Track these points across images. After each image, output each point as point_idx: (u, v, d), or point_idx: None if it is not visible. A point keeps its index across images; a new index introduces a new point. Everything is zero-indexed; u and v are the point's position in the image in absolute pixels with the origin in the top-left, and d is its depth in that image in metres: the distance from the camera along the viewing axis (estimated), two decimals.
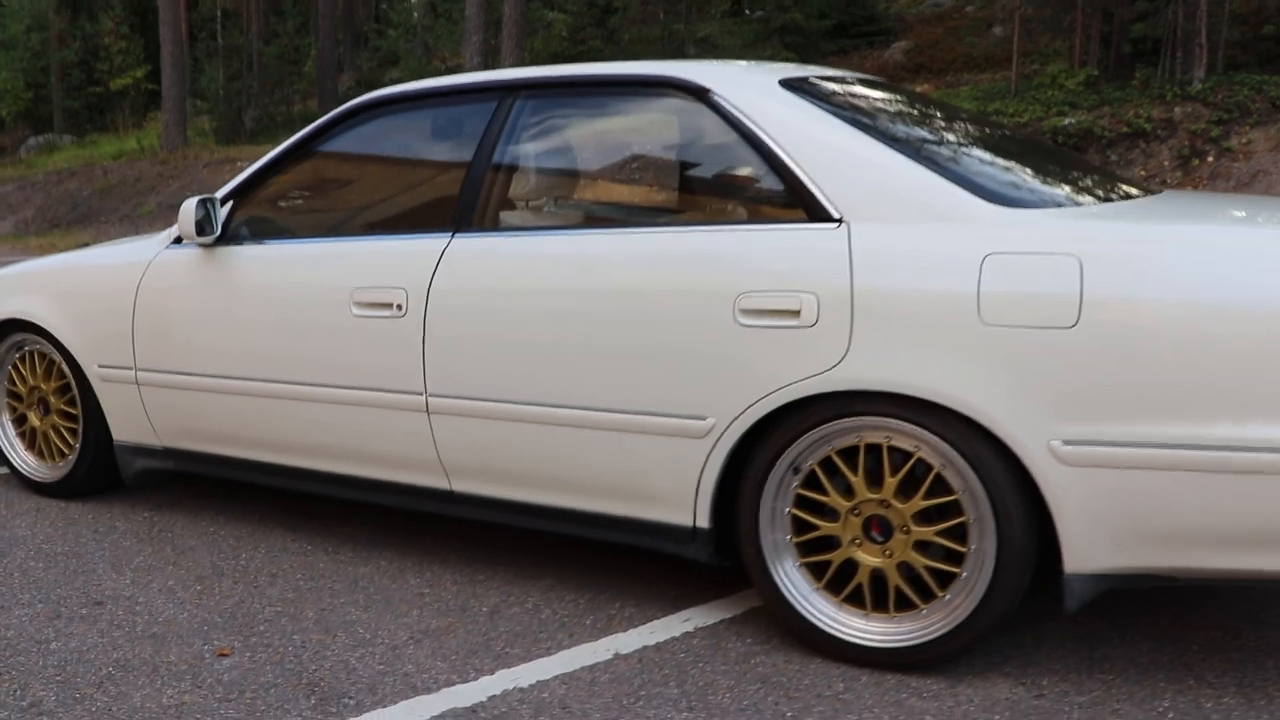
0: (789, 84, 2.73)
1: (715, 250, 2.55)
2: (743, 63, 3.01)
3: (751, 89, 2.69)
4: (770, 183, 2.64)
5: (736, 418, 2.50)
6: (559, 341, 2.68)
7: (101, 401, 3.52)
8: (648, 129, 3.04)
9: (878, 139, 2.55)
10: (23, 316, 3.62)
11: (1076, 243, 2.24)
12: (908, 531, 2.43)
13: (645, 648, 2.62)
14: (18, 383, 3.79)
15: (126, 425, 3.51)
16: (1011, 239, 2.29)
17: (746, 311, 2.47)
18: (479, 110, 3.04)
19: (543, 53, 17.85)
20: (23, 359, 3.77)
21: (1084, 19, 9.49)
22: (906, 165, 2.47)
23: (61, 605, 2.87)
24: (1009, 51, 15.56)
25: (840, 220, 2.46)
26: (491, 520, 2.94)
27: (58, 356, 3.62)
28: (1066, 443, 2.20)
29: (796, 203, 2.54)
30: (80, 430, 3.62)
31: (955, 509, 2.38)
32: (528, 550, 3.22)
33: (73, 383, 3.61)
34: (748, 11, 18.90)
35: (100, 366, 3.47)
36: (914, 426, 2.35)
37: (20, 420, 3.83)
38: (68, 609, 2.85)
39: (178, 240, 3.37)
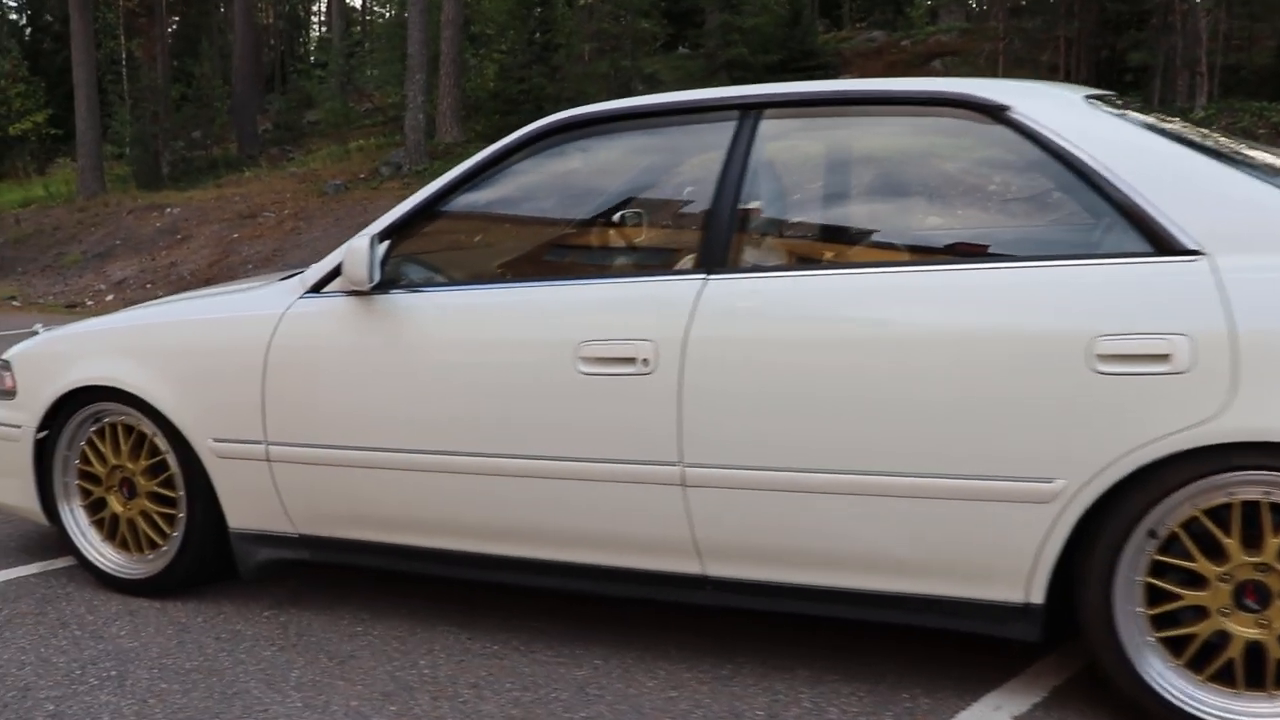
0: (1093, 101, 2.42)
1: (1055, 289, 2.20)
2: (1029, 82, 2.67)
3: (1061, 106, 2.37)
4: (1095, 210, 2.32)
5: (1093, 479, 2.14)
6: (859, 397, 2.29)
7: (215, 482, 2.97)
8: (926, 152, 2.68)
9: (1222, 162, 2.26)
10: (108, 383, 3.05)
11: None
12: None
13: None
14: (94, 462, 3.21)
15: (249, 509, 2.97)
16: None
17: (1104, 357, 2.12)
18: (711, 131, 2.65)
19: (480, 91, 17.46)
20: (100, 434, 3.18)
21: (1065, 50, 9.58)
22: (1270, 191, 2.18)
23: None
24: None
25: (1198, 252, 2.14)
26: (749, 606, 2.52)
27: (150, 429, 3.07)
28: None
29: (1135, 233, 2.21)
30: (184, 516, 3.06)
31: None
32: (752, 632, 2.79)
33: (172, 460, 3.05)
34: (682, 49, 18.85)
35: (216, 441, 2.93)
36: None
37: (96, 506, 3.24)
38: None
39: (316, 288, 2.87)
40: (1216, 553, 2.15)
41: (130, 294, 11.41)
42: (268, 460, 2.89)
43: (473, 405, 2.63)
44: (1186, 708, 2.18)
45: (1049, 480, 2.17)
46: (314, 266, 2.94)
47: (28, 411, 3.21)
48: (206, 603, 3.12)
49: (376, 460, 2.75)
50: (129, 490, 3.17)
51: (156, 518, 3.13)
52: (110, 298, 11.67)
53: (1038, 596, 2.25)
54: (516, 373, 2.58)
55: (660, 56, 17.05)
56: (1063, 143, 2.30)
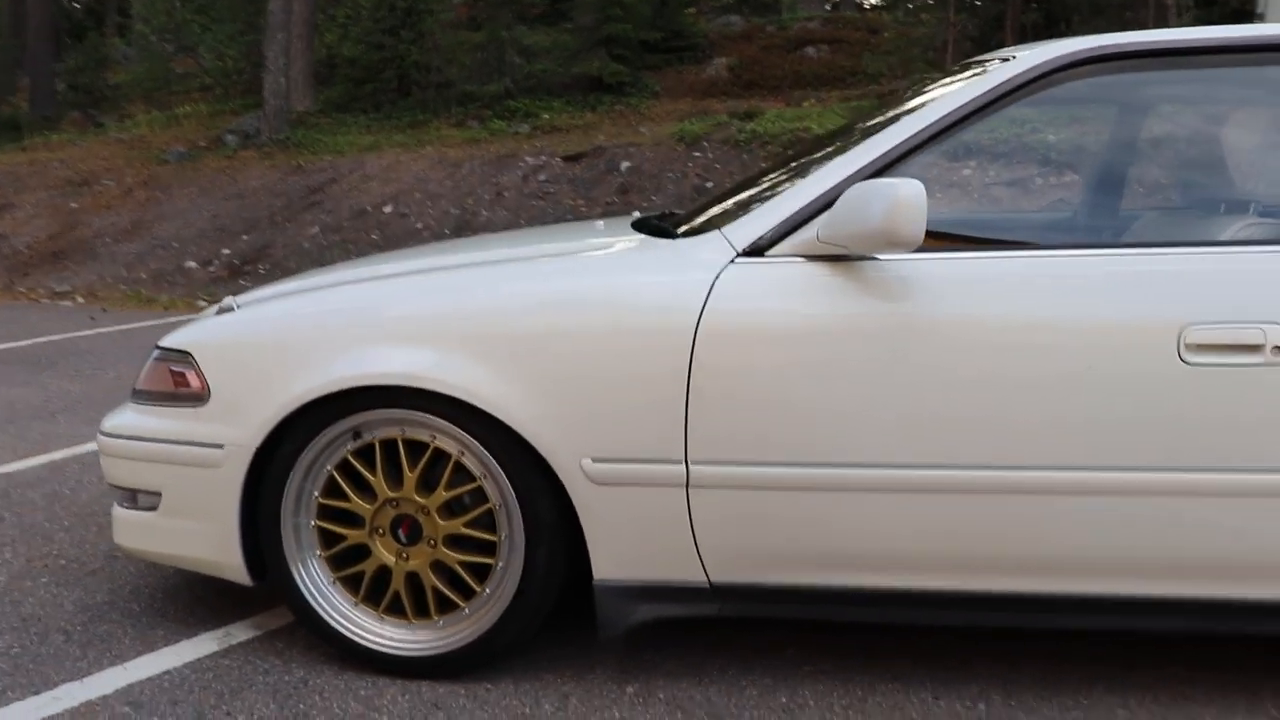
0: None
1: None
2: None
3: None
4: None
5: None
6: None
7: (585, 517, 2.10)
8: None
9: None
10: (417, 382, 2.10)
11: None
12: None
13: None
14: (353, 495, 2.24)
15: (637, 554, 2.12)
16: None
17: None
18: (1255, 82, 2.14)
19: (339, 55, 16.00)
20: (362, 454, 2.22)
21: (1015, 40, 9.56)
22: None
23: None
24: (835, 71, 15.79)
25: None
26: None
27: (456, 448, 2.15)
28: None
29: None
30: (516, 566, 2.16)
31: None
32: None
33: (493, 489, 2.15)
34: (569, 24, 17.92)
35: (597, 462, 2.06)
36: None
37: (346, 558, 2.27)
38: None
39: (757, 250, 2.06)
40: None
41: None
42: (686, 486, 2.05)
43: (1037, 406, 1.94)
44: None
45: None
46: (746, 219, 2.12)
47: (239, 424, 2.21)
48: (525, 683, 2.23)
49: (877, 481, 1.99)
50: (410, 533, 2.23)
51: (458, 569, 2.21)
52: None
53: None
54: (1102, 362, 1.91)
55: (541, 28, 16.15)
56: None
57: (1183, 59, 2.16)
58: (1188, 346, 1.91)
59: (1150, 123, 2.40)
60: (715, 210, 2.46)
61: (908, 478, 1.99)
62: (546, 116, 13.10)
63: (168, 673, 2.30)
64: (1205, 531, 1.97)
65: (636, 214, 3.08)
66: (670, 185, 9.84)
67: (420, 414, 2.15)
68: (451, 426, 2.14)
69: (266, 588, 2.32)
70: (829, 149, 2.40)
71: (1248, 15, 8.83)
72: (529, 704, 2.16)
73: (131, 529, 2.42)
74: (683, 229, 2.31)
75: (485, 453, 2.13)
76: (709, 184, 9.72)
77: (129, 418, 2.40)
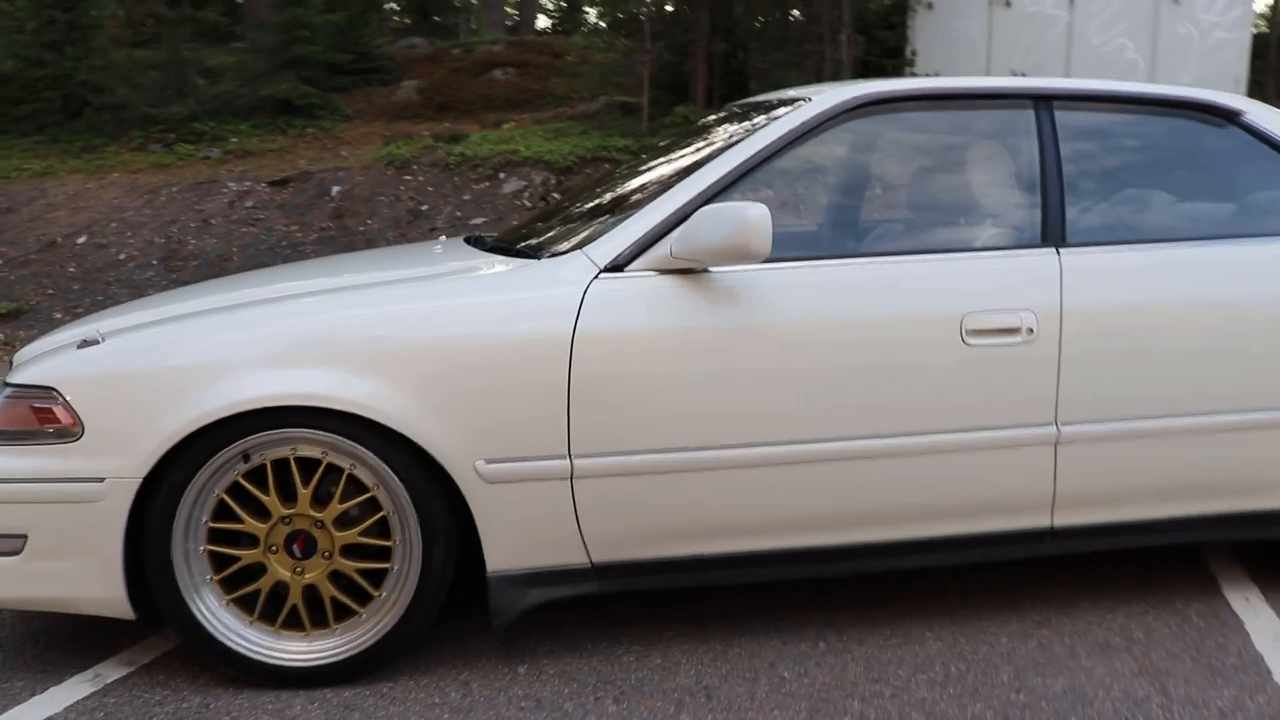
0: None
1: None
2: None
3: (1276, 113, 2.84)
4: None
5: None
6: (1211, 350, 2.61)
7: (479, 515, 2.32)
8: (1179, 145, 2.88)
9: None
10: (311, 401, 2.23)
11: None
12: None
13: None
14: (246, 516, 2.32)
15: (526, 544, 2.37)
16: None
17: None
18: (1009, 120, 2.74)
19: None
20: (252, 476, 2.31)
21: (707, 66, 10.35)
22: None
23: None
24: (524, 93, 16.18)
25: None
26: (1083, 550, 2.66)
27: (363, 460, 2.31)
28: None
29: None
30: (411, 568, 2.34)
31: None
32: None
33: (386, 498, 2.33)
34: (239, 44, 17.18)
35: (489, 463, 2.29)
36: None
37: (237, 579, 2.34)
38: None
39: (614, 268, 2.38)
40: None
41: None
42: (570, 479, 2.33)
43: (851, 389, 2.41)
44: None
45: None
46: (603, 240, 2.42)
47: (121, 455, 2.23)
48: (423, 677, 2.41)
49: (729, 460, 2.37)
50: (304, 548, 2.34)
51: (355, 576, 2.36)
52: None
53: None
54: (902, 350, 2.43)
55: (223, 48, 15.41)
56: None
57: (940, 102, 2.73)
58: (967, 331, 2.45)
59: (918, 152, 2.96)
60: (554, 232, 2.75)
61: (756, 455, 2.38)
62: (236, 140, 12.61)
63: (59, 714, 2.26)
64: (977, 478, 2.51)
65: (464, 237, 3.28)
66: (385, 209, 9.86)
67: (312, 432, 2.28)
68: (345, 441, 2.28)
69: (143, 621, 2.34)
70: (649, 176, 2.78)
71: (900, 52, 10.17)
72: (435, 694, 2.34)
73: None
74: (551, 251, 2.56)
75: (381, 463, 2.29)
76: (424, 207, 9.84)
77: None
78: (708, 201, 2.44)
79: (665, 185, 2.57)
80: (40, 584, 2.31)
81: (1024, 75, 9.50)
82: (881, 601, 2.77)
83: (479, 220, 9.53)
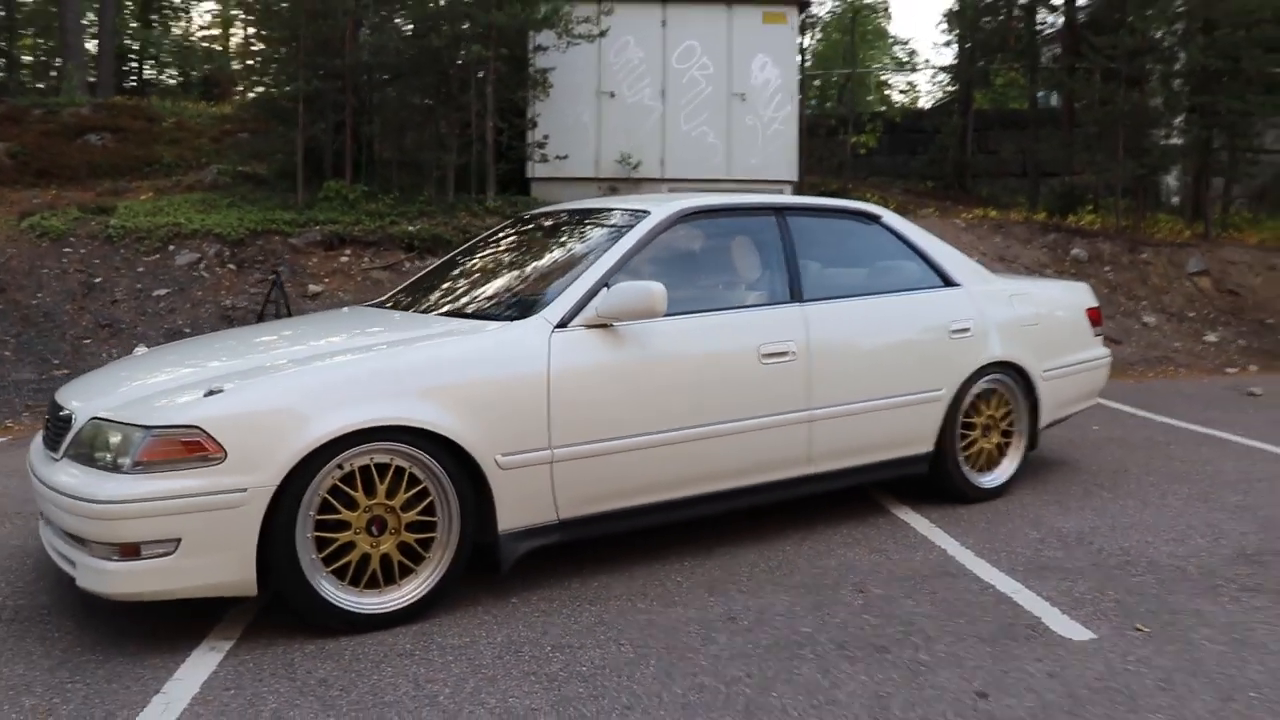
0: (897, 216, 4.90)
1: (931, 303, 4.72)
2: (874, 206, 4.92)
3: (897, 217, 4.84)
4: (917, 267, 4.80)
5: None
6: (881, 360, 4.47)
7: (496, 491, 3.51)
8: (849, 236, 4.71)
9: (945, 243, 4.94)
10: (397, 422, 3.31)
11: None
12: None
13: None
14: (342, 509, 3.31)
15: (522, 510, 3.59)
16: None
17: (951, 332, 4.67)
18: (766, 222, 4.46)
19: None
20: (346, 480, 3.32)
21: (355, 144, 11.23)
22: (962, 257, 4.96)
23: None
24: (128, 160, 15.47)
25: (960, 285, 4.81)
26: (835, 487, 4.39)
27: (420, 461, 3.40)
28: None
29: (935, 277, 4.80)
30: (451, 537, 3.49)
31: None
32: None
33: (441, 485, 3.45)
34: None
35: (504, 455, 3.51)
36: None
37: (332, 556, 3.33)
38: None
39: (561, 324, 3.70)
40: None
41: None
42: (551, 464, 3.60)
43: (699, 394, 3.93)
44: None
45: (938, 390, 4.62)
46: (551, 306, 3.72)
47: (260, 471, 3.15)
48: (460, 615, 3.55)
49: (639, 443, 3.77)
50: (379, 528, 3.39)
51: (411, 546, 3.44)
52: None
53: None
54: (725, 368, 4.01)
55: None
56: (907, 235, 4.81)
57: (729, 213, 4.37)
58: (762, 355, 4.05)
59: (720, 243, 4.52)
60: (466, 299, 4.15)
61: (657, 439, 3.80)
62: None
63: (212, 676, 3.10)
64: (763, 447, 4.09)
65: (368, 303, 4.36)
66: (54, 282, 9.81)
67: (386, 444, 3.34)
68: (407, 448, 3.37)
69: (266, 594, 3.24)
70: (529, 257, 4.19)
71: (522, 113, 11.82)
72: (468, 618, 3.48)
73: (136, 578, 3.08)
74: (508, 315, 3.80)
75: (433, 461, 3.40)
76: (97, 279, 9.89)
77: (136, 485, 3.06)
78: (609, 278, 3.83)
79: (569, 266, 3.96)
80: (189, 576, 3.12)
81: (630, 156, 11.78)
82: (708, 538, 4.30)
83: (162, 292, 9.76)
